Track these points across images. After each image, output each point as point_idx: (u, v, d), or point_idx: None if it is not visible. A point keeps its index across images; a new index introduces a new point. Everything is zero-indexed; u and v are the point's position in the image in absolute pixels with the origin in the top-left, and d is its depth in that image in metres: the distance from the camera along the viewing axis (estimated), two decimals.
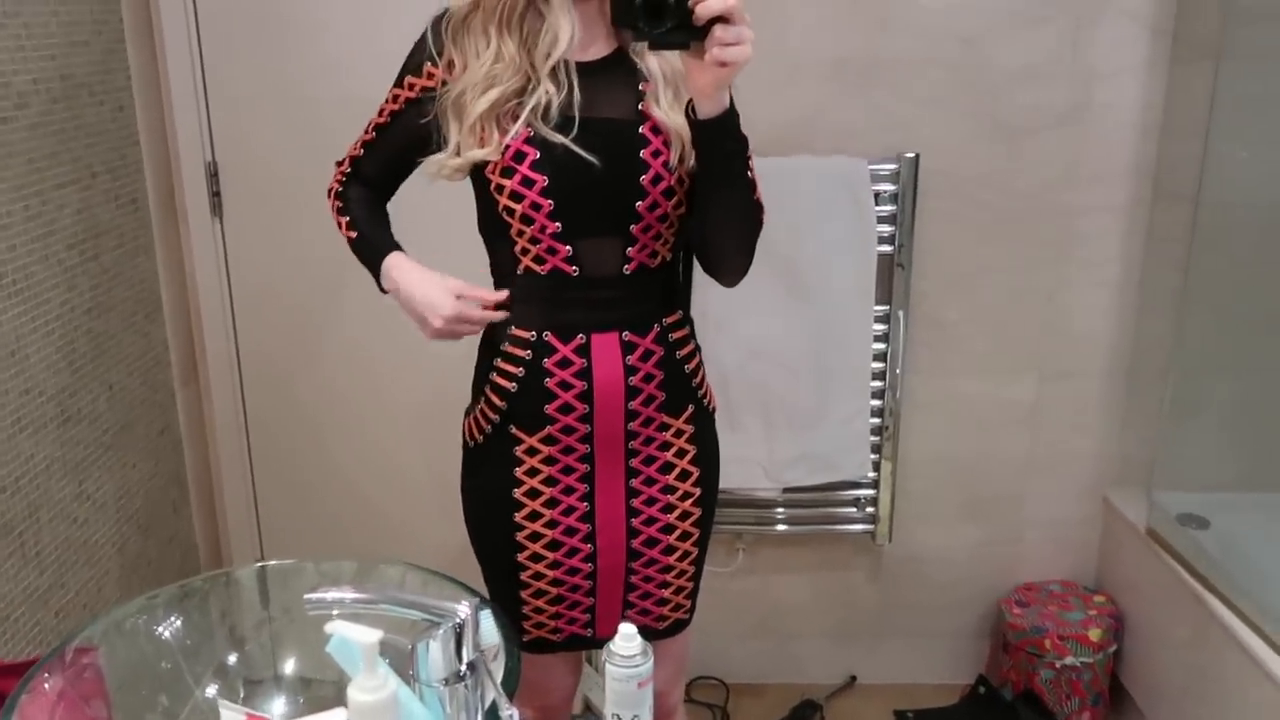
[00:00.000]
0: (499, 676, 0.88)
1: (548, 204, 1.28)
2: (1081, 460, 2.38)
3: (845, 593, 2.48)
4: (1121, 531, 2.31)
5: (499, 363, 1.37)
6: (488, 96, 1.26)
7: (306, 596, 0.85)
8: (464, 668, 0.83)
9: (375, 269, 1.41)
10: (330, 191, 1.48)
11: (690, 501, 1.45)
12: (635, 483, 1.41)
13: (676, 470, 1.43)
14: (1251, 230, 2.02)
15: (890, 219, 2.17)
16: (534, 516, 1.40)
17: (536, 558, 1.41)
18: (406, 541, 2.34)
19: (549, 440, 1.37)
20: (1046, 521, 2.42)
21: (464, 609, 0.82)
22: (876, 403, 2.28)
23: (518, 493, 1.39)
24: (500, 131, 1.27)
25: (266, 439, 2.39)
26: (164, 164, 2.21)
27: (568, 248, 1.30)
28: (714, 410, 1.50)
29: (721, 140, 1.21)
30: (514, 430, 1.38)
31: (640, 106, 1.29)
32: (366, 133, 1.44)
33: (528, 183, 1.27)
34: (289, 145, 2.20)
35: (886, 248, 2.18)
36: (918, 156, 2.13)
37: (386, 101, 1.40)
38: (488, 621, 0.85)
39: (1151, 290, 2.23)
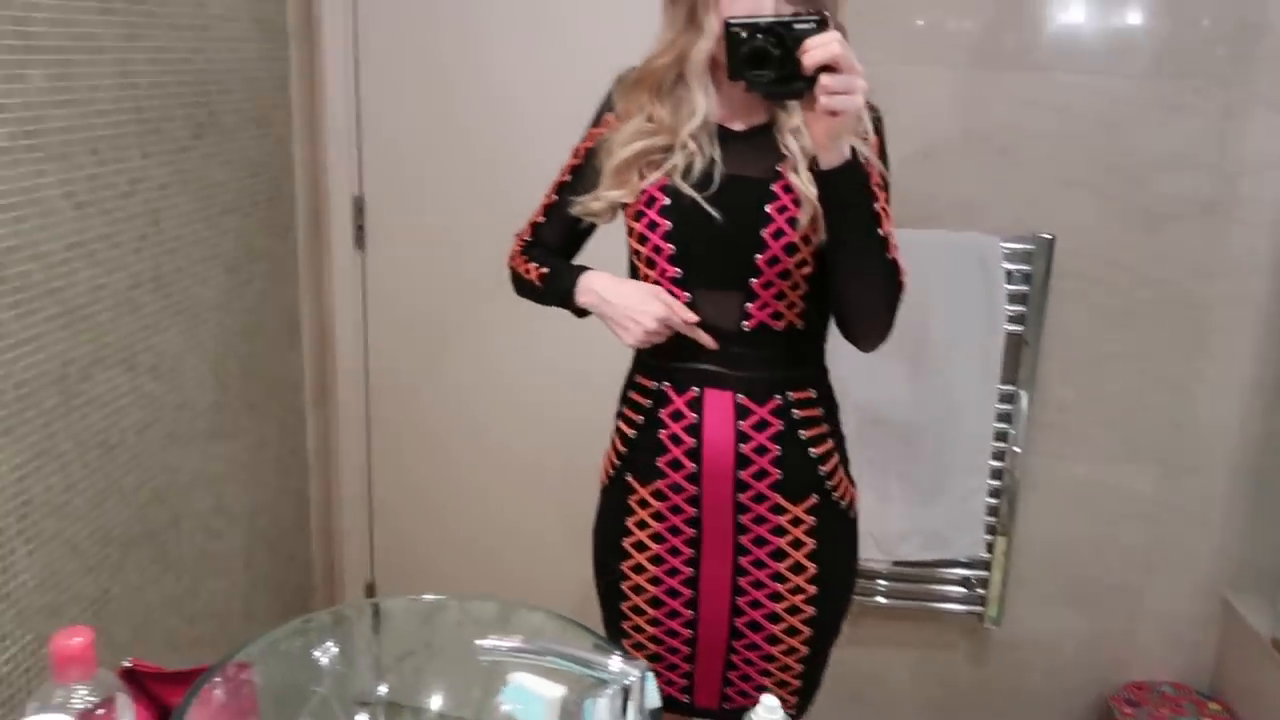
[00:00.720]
0: None
1: (669, 248, 1.32)
2: (1202, 559, 2.31)
3: (945, 672, 2.44)
4: (1242, 637, 2.23)
5: (625, 410, 1.42)
6: (634, 146, 1.33)
7: (478, 643, 0.88)
8: None
9: (569, 291, 1.40)
10: (511, 257, 1.50)
11: (802, 598, 1.39)
12: (744, 561, 1.37)
13: (790, 561, 1.37)
14: None
15: (1020, 298, 2.16)
16: (639, 569, 1.41)
17: (638, 610, 1.43)
18: (519, 579, 2.38)
19: (659, 495, 1.38)
20: (1161, 618, 2.35)
21: (634, 671, 0.84)
22: (994, 482, 2.25)
23: (627, 542, 1.42)
24: (640, 178, 1.33)
25: (390, 465, 2.46)
26: (315, 196, 2.31)
27: (687, 295, 1.33)
28: (850, 508, 1.44)
29: (842, 191, 1.20)
30: (630, 478, 1.41)
31: (777, 168, 1.30)
32: (547, 197, 1.48)
33: (653, 226, 1.32)
34: (435, 184, 2.28)
35: (1015, 326, 2.17)
36: (1053, 238, 2.12)
37: (567, 161, 1.46)
38: (651, 685, 0.87)
39: None
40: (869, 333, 1.34)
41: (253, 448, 2.11)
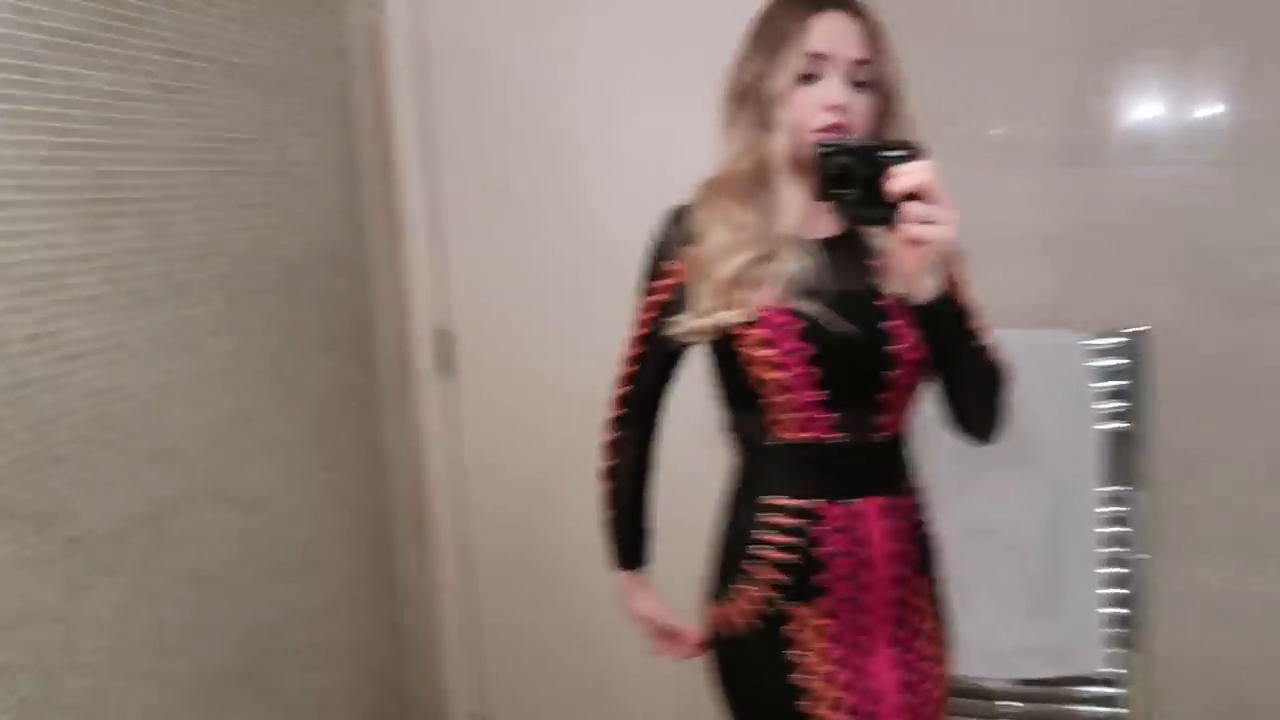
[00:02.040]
0: None
1: (816, 372, 1.27)
2: None
3: None
4: None
5: (762, 535, 1.33)
6: (733, 261, 1.28)
7: None
8: None
9: (610, 554, 1.54)
10: (604, 436, 1.50)
11: (940, 668, 1.41)
12: (900, 651, 1.36)
13: (928, 635, 1.39)
14: None
15: (1120, 393, 2.04)
16: (821, 700, 1.32)
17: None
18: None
19: (829, 614, 1.32)
20: None
21: None
22: (1119, 591, 2.08)
23: (796, 676, 1.33)
24: (748, 297, 1.28)
25: (494, 602, 2.44)
26: (399, 330, 2.37)
27: (833, 415, 1.29)
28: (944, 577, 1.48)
29: (940, 324, 1.21)
30: (787, 607, 1.33)
31: (875, 278, 1.29)
32: (629, 363, 1.46)
33: (793, 353, 1.27)
34: (522, 314, 2.32)
35: (1120, 424, 2.05)
36: (1145, 331, 2.02)
37: (638, 319, 1.43)
38: None
39: None
40: (984, 425, 1.33)
41: (347, 581, 2.12)
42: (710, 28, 2.08)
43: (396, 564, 2.36)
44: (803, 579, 1.31)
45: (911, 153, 1.11)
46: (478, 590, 2.45)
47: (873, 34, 1.27)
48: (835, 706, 1.31)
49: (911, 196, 1.09)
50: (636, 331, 1.43)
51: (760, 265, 1.28)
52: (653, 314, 1.40)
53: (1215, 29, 1.95)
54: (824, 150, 1.15)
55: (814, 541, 1.31)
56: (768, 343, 1.27)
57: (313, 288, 2.03)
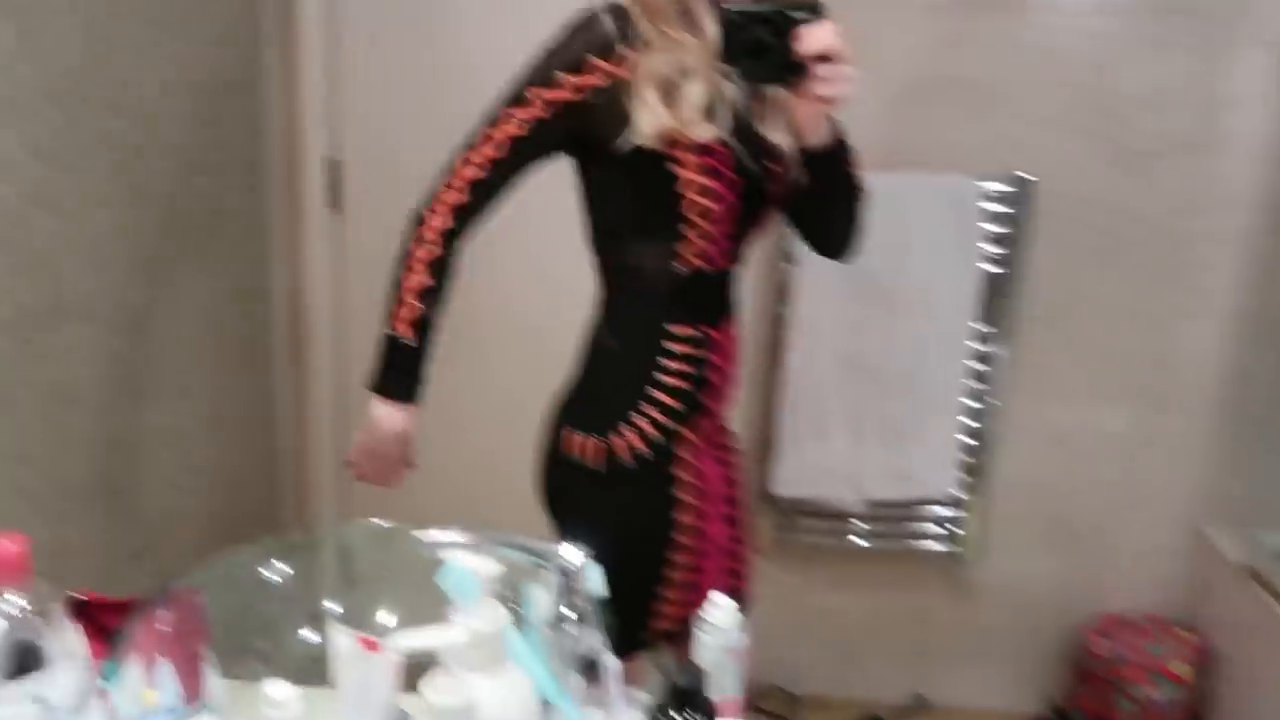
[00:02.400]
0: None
1: (739, 206, 1.31)
2: (1177, 493, 2.32)
3: (922, 612, 2.45)
4: (1216, 568, 2.25)
5: (668, 364, 1.35)
6: (700, 81, 1.24)
7: (414, 533, 0.87)
8: (570, 613, 0.85)
9: (385, 380, 1.36)
10: (422, 223, 1.33)
11: (740, 465, 1.54)
12: (719, 450, 1.46)
13: (731, 432, 1.52)
14: None
15: (1000, 239, 2.15)
16: (688, 509, 1.40)
17: (684, 549, 1.40)
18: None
19: (699, 431, 1.40)
20: (1136, 553, 2.36)
21: (575, 556, 0.84)
22: (971, 423, 2.26)
23: (679, 491, 1.39)
24: (700, 119, 1.25)
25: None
26: (289, 157, 2.27)
27: (735, 245, 1.36)
28: None
29: (830, 168, 1.30)
30: (680, 430, 1.37)
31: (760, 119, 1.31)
32: (490, 147, 1.30)
33: (733, 185, 1.29)
34: (416, 143, 2.26)
35: (993, 268, 2.17)
36: (1033, 179, 2.12)
37: (518, 116, 1.28)
38: (594, 573, 0.87)
39: (1264, 323, 2.17)
40: (846, 244, 1.45)
41: (221, 404, 2.10)
42: None
43: (274, 389, 2.35)
44: (696, 402, 1.38)
45: (816, 14, 1.14)
46: (350, 419, 2.46)
47: None
48: (690, 510, 1.41)
49: (819, 58, 1.14)
50: (510, 130, 1.28)
51: (713, 91, 1.26)
52: (546, 114, 1.27)
53: None
54: (733, 19, 1.16)
55: (707, 365, 1.37)
56: (713, 172, 1.27)
57: (202, 109, 1.92)
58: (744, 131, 1.28)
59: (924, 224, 2.11)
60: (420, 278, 1.32)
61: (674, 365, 1.35)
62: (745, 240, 1.39)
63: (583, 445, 1.37)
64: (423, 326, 1.33)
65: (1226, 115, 2.10)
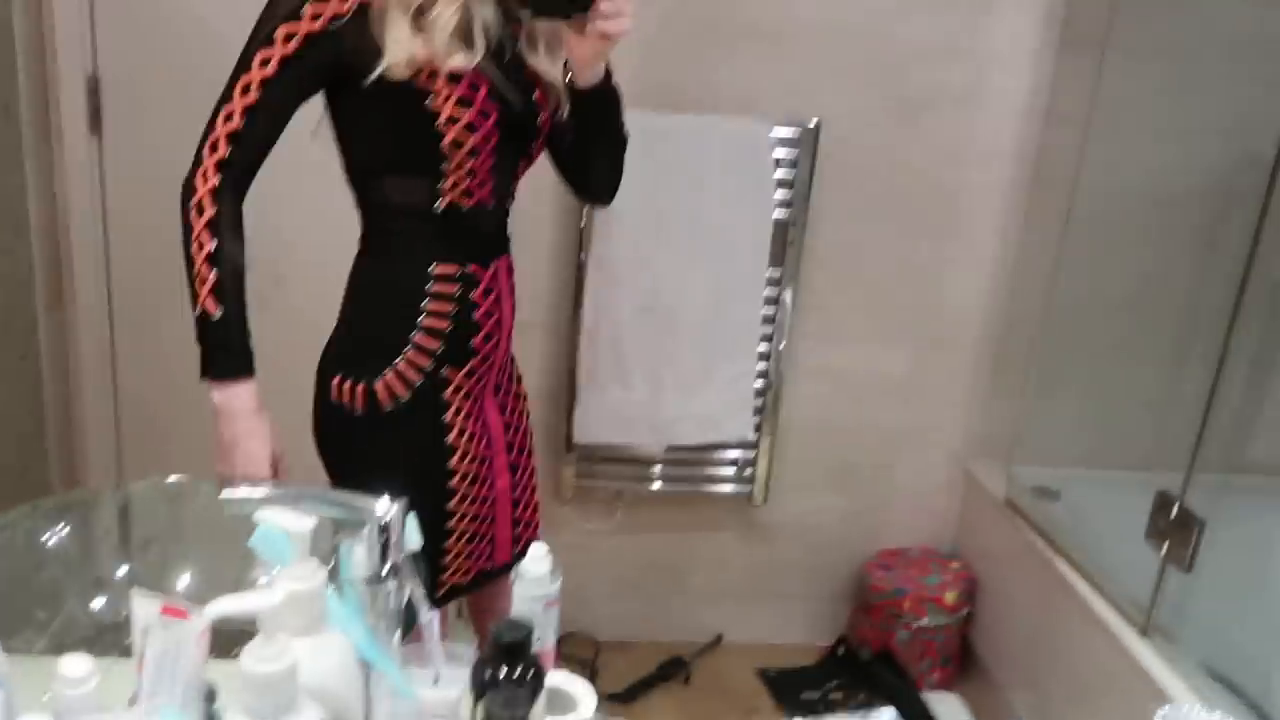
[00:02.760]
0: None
1: (496, 137, 1.28)
2: (947, 432, 2.50)
3: (718, 553, 2.54)
4: (980, 501, 2.44)
5: (429, 305, 1.33)
6: (458, 7, 1.22)
7: (224, 495, 0.82)
8: (387, 568, 0.82)
9: (212, 363, 1.27)
10: (193, 192, 1.25)
11: (528, 413, 1.56)
12: (502, 397, 1.48)
13: (519, 380, 1.54)
14: (1122, 219, 2.15)
15: (788, 184, 2.22)
16: (464, 455, 1.40)
17: (465, 497, 1.41)
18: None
19: (470, 374, 1.38)
20: (912, 491, 2.53)
21: (390, 510, 0.82)
22: (763, 365, 2.34)
23: (451, 437, 1.38)
24: (459, 50, 1.23)
25: (134, 373, 2.29)
26: (41, 74, 2.08)
27: (494, 180, 1.33)
28: None
29: (600, 106, 1.34)
30: (446, 371, 1.36)
31: (517, 51, 1.33)
32: (243, 95, 1.23)
33: (485, 114, 1.26)
34: (179, 63, 2.10)
35: (782, 212, 2.24)
36: (819, 124, 2.19)
37: (265, 47, 1.22)
38: (412, 525, 0.84)
39: (1025, 271, 2.35)
40: (609, 187, 1.50)
41: None
42: None
43: (37, 332, 2.15)
44: (461, 342, 1.36)
45: None
46: (122, 364, 2.30)
47: None
48: (467, 456, 1.40)
49: None
50: (261, 74, 1.22)
51: (466, 16, 1.24)
52: (291, 50, 1.22)
53: None
54: None
55: (473, 305, 1.36)
56: (466, 101, 1.25)
57: None
58: (503, 60, 1.28)
59: (719, 166, 2.15)
60: (206, 246, 1.24)
61: (435, 306, 1.33)
62: (511, 175, 1.38)
63: (349, 390, 1.34)
64: (224, 294, 1.25)
65: (993, 71, 2.24)
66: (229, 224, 1.25)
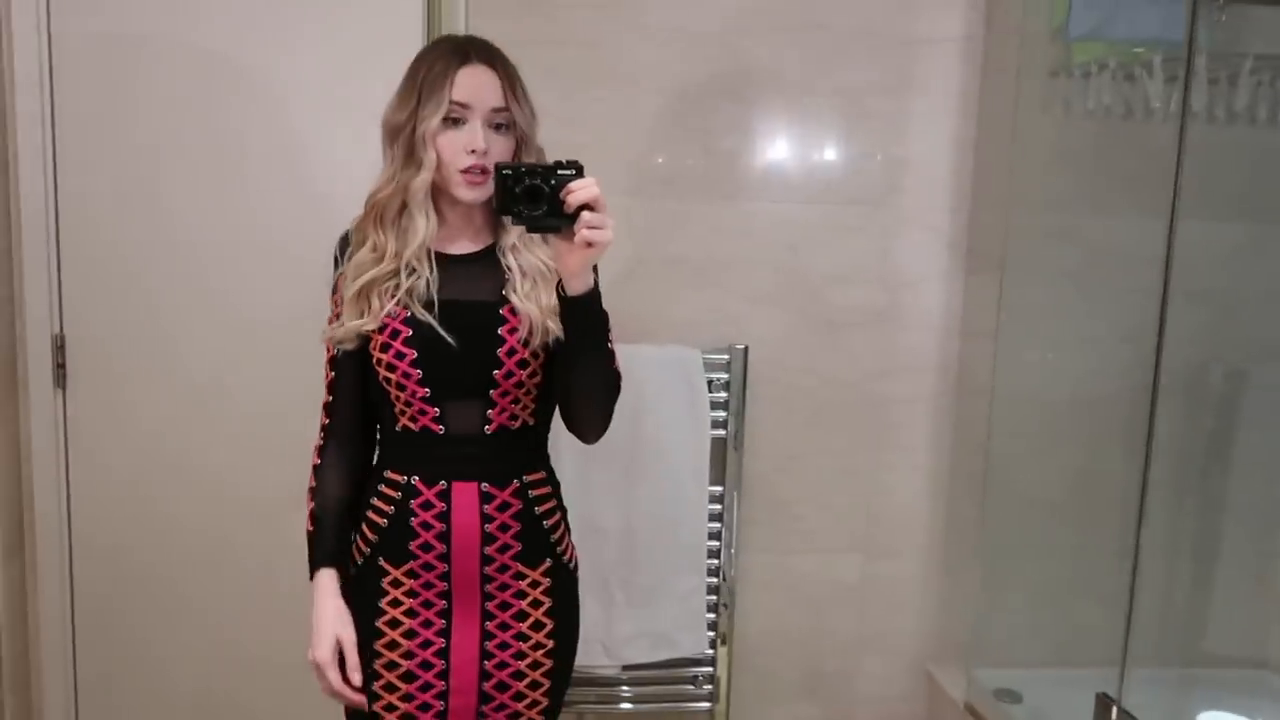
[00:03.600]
0: None
1: (416, 373, 1.47)
2: (905, 637, 2.51)
3: None
4: (943, 706, 2.42)
5: (374, 501, 1.54)
6: (364, 277, 1.48)
7: None
8: None
9: (309, 560, 1.56)
10: (314, 462, 1.58)
11: (542, 652, 1.57)
12: (490, 626, 1.53)
13: (531, 620, 1.56)
14: (1038, 422, 2.26)
15: (725, 404, 2.33)
16: (392, 646, 1.52)
17: (390, 687, 1.52)
18: None
19: (411, 574, 1.51)
20: (876, 697, 2.51)
21: None
22: (714, 580, 2.37)
23: (380, 622, 1.52)
24: (379, 305, 1.48)
25: (94, 624, 2.31)
26: (9, 334, 2.19)
27: (435, 409, 1.48)
28: (574, 568, 1.65)
29: (587, 314, 1.40)
30: (382, 562, 1.52)
31: (503, 292, 1.49)
32: (328, 388, 1.58)
33: (400, 355, 1.47)
34: (140, 322, 2.23)
35: (722, 431, 2.34)
36: (747, 348, 2.33)
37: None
38: None
39: (959, 476, 2.43)
40: (595, 427, 1.54)
41: None
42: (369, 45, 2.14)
43: None
44: (397, 541, 1.51)
45: (579, 170, 1.32)
46: (84, 631, 2.31)
47: (510, 84, 1.47)
48: (407, 656, 1.52)
49: (585, 207, 1.30)
50: (329, 355, 1.57)
51: (389, 280, 1.48)
52: (331, 343, 1.55)
53: (829, 82, 2.31)
54: (508, 173, 1.33)
55: (411, 513, 1.50)
56: (385, 347, 1.48)
57: None
58: (445, 305, 1.47)
59: (655, 392, 2.26)
60: (310, 484, 1.58)
61: (377, 503, 1.53)
62: (475, 405, 1.48)
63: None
64: (315, 519, 1.56)
65: (905, 292, 2.40)
66: (328, 469, 1.57)
